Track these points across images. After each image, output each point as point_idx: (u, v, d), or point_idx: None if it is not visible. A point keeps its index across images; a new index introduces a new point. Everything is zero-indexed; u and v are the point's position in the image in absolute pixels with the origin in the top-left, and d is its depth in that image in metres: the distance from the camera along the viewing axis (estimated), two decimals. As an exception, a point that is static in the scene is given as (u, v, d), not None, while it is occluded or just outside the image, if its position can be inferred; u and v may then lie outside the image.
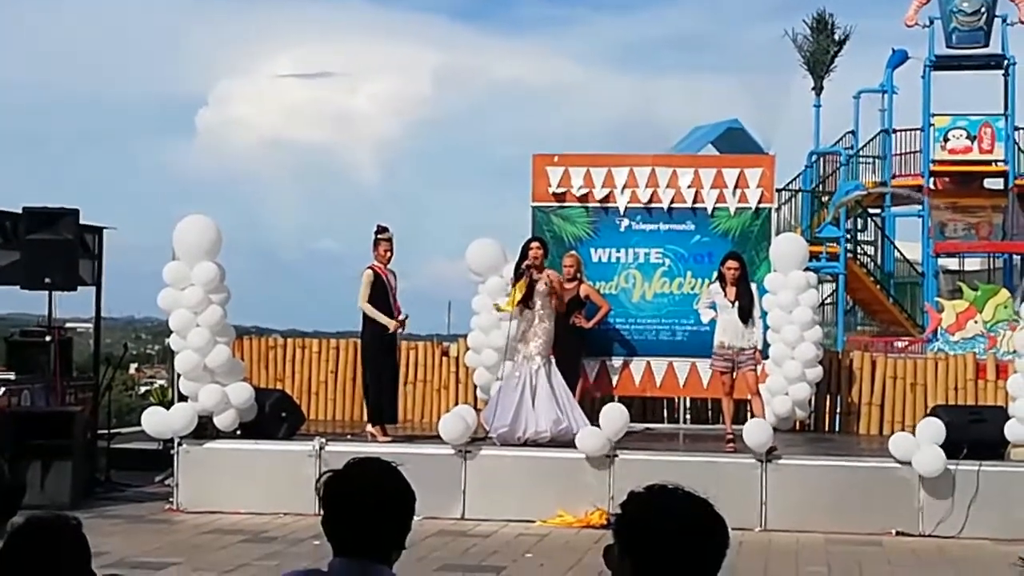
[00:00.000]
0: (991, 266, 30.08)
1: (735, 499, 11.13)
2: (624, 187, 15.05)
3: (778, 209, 22.85)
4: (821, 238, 26.13)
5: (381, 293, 13.15)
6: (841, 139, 30.16)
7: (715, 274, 13.47)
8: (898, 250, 29.72)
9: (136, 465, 14.85)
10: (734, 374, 13.03)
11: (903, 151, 29.08)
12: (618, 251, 15.12)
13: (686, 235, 15.03)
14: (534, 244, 13.48)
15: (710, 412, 15.49)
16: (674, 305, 14.99)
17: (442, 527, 11.70)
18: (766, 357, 14.06)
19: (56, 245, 13.70)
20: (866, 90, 30.14)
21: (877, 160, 29.44)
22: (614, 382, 14.93)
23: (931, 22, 27.72)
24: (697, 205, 14.98)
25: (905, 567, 10.78)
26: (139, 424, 13.60)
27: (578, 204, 15.11)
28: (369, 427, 13.30)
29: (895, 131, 29.20)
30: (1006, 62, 27.90)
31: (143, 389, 34.79)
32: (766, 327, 13.97)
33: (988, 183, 28.56)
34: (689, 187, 14.97)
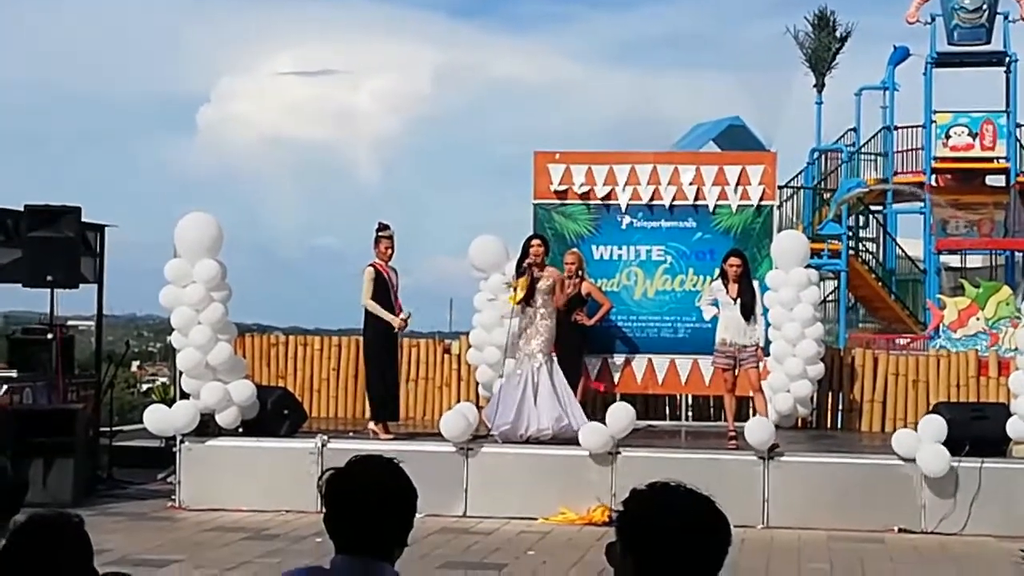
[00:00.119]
0: (993, 263, 30.06)
1: (737, 496, 11.14)
2: (626, 184, 15.05)
3: (780, 206, 22.80)
4: (823, 235, 26.11)
5: (382, 290, 13.16)
6: (843, 136, 30.14)
7: (717, 271, 13.47)
8: (900, 247, 29.69)
9: (138, 463, 14.85)
10: (736, 371, 13.03)
11: (905, 148, 29.06)
12: (620, 248, 15.11)
13: (688, 232, 15.02)
14: (535, 242, 13.47)
15: (712, 409, 15.49)
16: (676, 302, 14.99)
17: (444, 524, 11.70)
18: (767, 354, 14.06)
19: (58, 243, 13.70)
20: (868, 87, 30.11)
21: (879, 157, 29.41)
22: (616, 379, 14.93)
23: (933, 19, 27.69)
24: (699, 202, 14.98)
25: (907, 564, 10.77)
26: (141, 422, 13.61)
27: (580, 201, 15.11)
28: (371, 424, 13.30)
29: (897, 128, 29.18)
30: (1008, 59, 27.87)
31: (145, 387, 34.81)
32: (767, 324, 13.97)
33: (990, 180, 28.54)
34: (691, 184, 14.97)
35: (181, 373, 13.15)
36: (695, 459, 12.34)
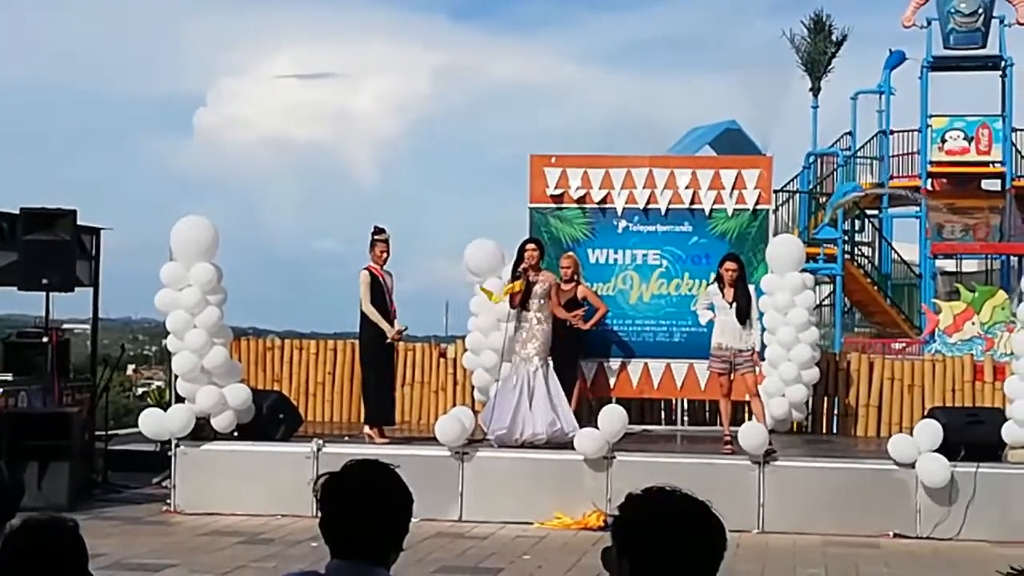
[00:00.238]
0: (988, 267, 30.09)
1: (732, 501, 11.14)
2: (621, 188, 15.05)
3: (775, 210, 22.80)
4: (818, 239, 26.14)
5: (378, 294, 13.16)
6: (838, 140, 30.17)
7: (713, 275, 13.47)
8: (895, 251, 29.73)
9: (133, 466, 14.84)
10: (732, 375, 13.02)
11: (900, 152, 29.11)
12: (615, 252, 15.11)
13: (683, 236, 15.03)
14: (529, 246, 13.46)
15: (707, 413, 15.48)
16: (672, 306, 14.99)
17: (440, 529, 11.70)
18: (763, 358, 14.07)
19: (53, 246, 13.69)
20: (864, 91, 30.15)
21: (874, 161, 29.46)
22: (612, 383, 14.93)
23: (929, 23, 27.74)
24: (695, 206, 14.98)
25: (902, 569, 10.77)
26: (136, 425, 13.60)
27: (575, 205, 15.11)
28: (366, 428, 13.29)
29: (892, 132, 29.22)
30: (1004, 63, 27.92)
31: (140, 390, 34.74)
32: (763, 328, 13.97)
33: (986, 184, 28.58)
34: (687, 188, 14.97)
35: (176, 377, 13.14)
36: (690, 463, 12.34)
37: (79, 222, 14.06)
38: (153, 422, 12.96)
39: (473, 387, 15.14)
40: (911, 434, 12.36)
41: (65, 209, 13.89)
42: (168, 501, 12.90)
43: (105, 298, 15.23)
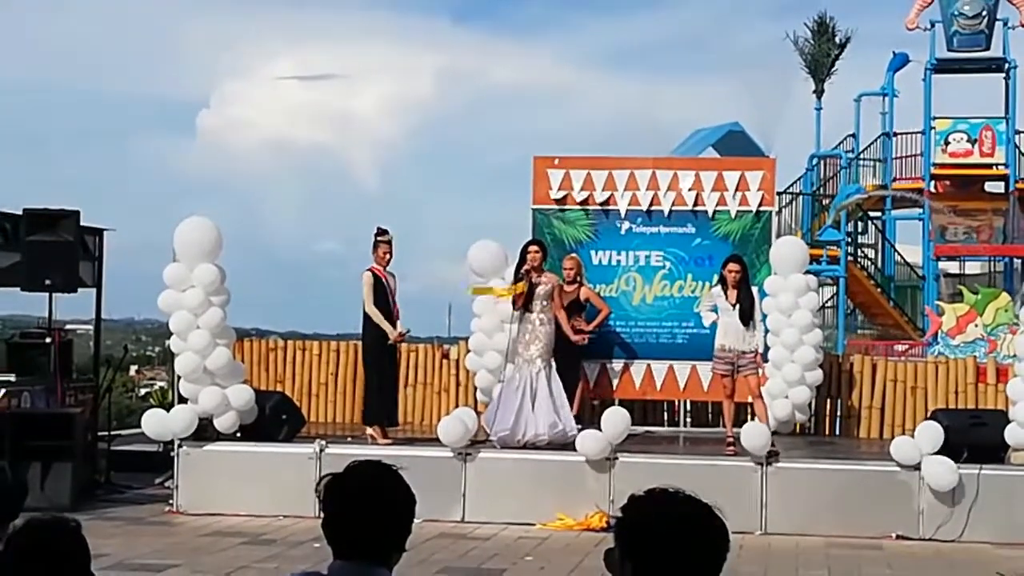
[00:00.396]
0: (992, 269, 30.08)
1: (735, 502, 11.13)
2: (625, 190, 15.05)
3: (779, 212, 22.85)
4: (822, 241, 26.12)
5: (380, 295, 13.16)
6: (842, 142, 30.15)
7: (716, 277, 13.47)
8: (899, 253, 29.71)
9: (136, 467, 14.84)
10: (735, 377, 13.02)
11: (904, 154, 29.08)
12: (618, 254, 15.12)
13: (687, 238, 15.03)
14: (532, 247, 13.47)
15: (710, 415, 15.48)
16: (674, 308, 14.99)
17: (442, 530, 11.70)
18: (766, 360, 14.06)
19: (56, 247, 13.70)
20: (867, 93, 30.14)
21: (878, 163, 29.42)
22: (614, 385, 14.93)
23: (932, 25, 27.72)
24: (698, 208, 14.98)
25: (905, 571, 10.76)
26: (139, 426, 13.59)
27: (579, 207, 15.11)
28: (369, 429, 13.29)
29: (896, 134, 29.19)
30: (1007, 65, 27.89)
31: (143, 391, 34.74)
32: (766, 330, 13.97)
33: (989, 186, 28.55)
34: (690, 190, 14.97)
35: (179, 377, 13.14)
36: (693, 465, 12.33)
37: (82, 223, 14.07)
38: (156, 423, 12.96)
39: (476, 388, 15.15)
40: (913, 436, 12.35)
41: (68, 210, 13.90)
42: (171, 502, 12.90)
43: (108, 299, 15.29)
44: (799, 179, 28.96)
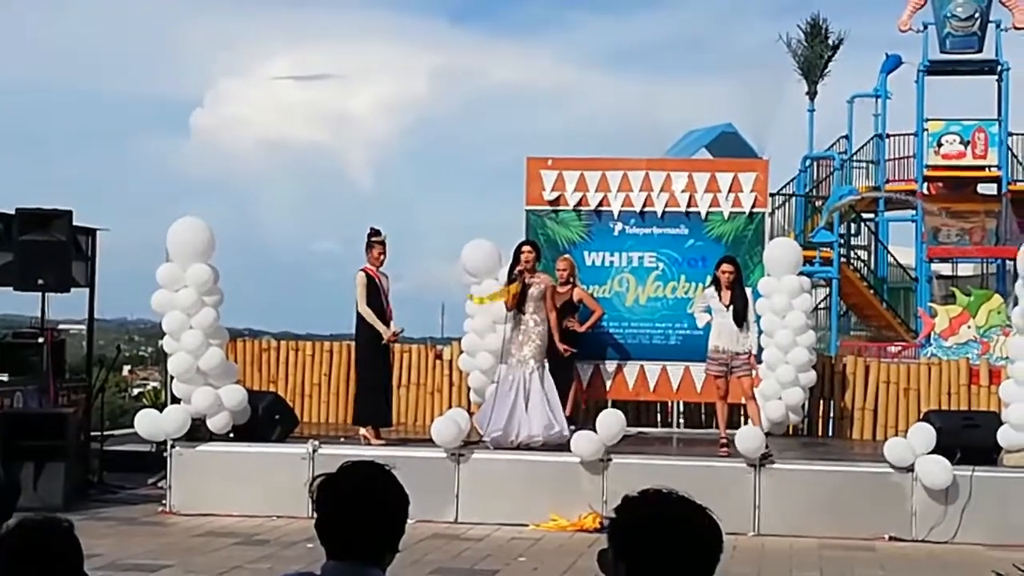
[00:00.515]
0: (984, 271, 30.14)
1: (728, 504, 11.08)
2: (618, 191, 15.06)
3: (772, 213, 22.86)
4: (815, 243, 26.17)
5: (374, 296, 13.15)
6: (835, 144, 30.20)
7: (709, 278, 13.47)
8: (891, 255, 29.76)
9: (129, 467, 14.83)
10: (728, 378, 13.02)
11: (897, 156, 29.14)
12: (612, 255, 15.11)
13: (680, 239, 15.03)
14: (526, 248, 13.46)
15: (704, 416, 15.48)
16: (668, 309, 14.99)
17: (435, 530, 11.69)
18: (760, 361, 14.07)
19: (49, 246, 13.68)
20: (860, 95, 30.19)
21: (871, 165, 29.48)
22: (608, 386, 14.93)
23: (925, 27, 27.77)
24: (691, 209, 14.98)
25: (898, 572, 10.77)
26: (132, 426, 13.57)
27: (572, 208, 15.11)
28: (362, 430, 13.28)
29: (889, 136, 29.26)
30: (1000, 67, 27.94)
31: (136, 391, 34.76)
32: (760, 331, 13.98)
33: (981, 188, 28.62)
34: (683, 191, 14.98)
35: (172, 377, 13.13)
36: (687, 466, 12.34)
37: (75, 223, 14.05)
38: (149, 423, 12.95)
39: (469, 389, 15.13)
40: (906, 438, 12.35)
41: (61, 210, 13.88)
42: (164, 502, 12.88)
43: (101, 299, 15.24)
44: (792, 180, 29.01)
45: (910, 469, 11.98)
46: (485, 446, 12.82)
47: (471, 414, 13.36)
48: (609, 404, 14.21)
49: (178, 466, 12.87)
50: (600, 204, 15.07)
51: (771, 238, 16.08)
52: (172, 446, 12.87)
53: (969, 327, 22.16)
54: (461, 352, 15.19)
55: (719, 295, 13.03)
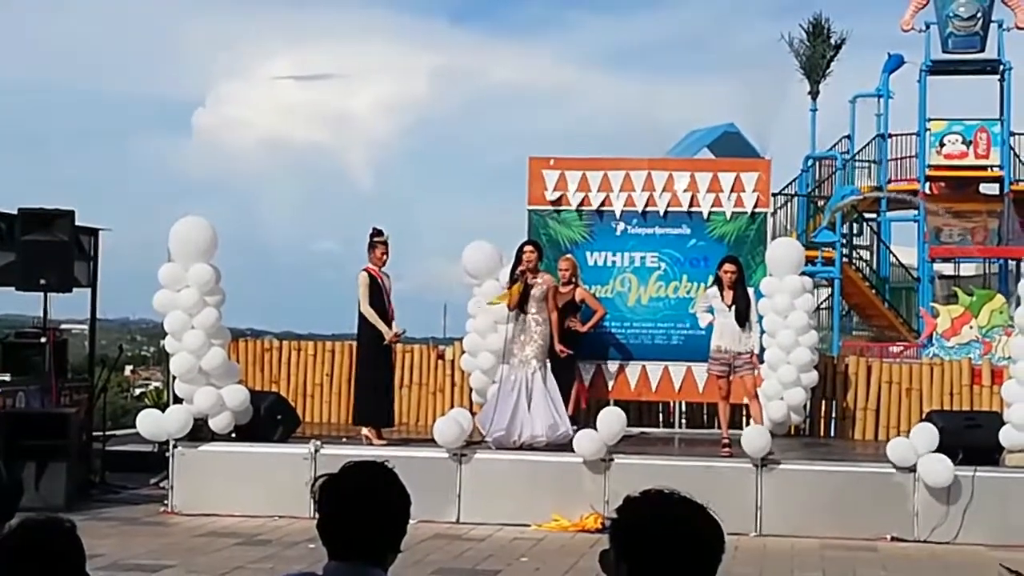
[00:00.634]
0: (987, 271, 30.12)
1: (730, 504, 11.08)
2: (620, 191, 15.06)
3: (774, 213, 22.81)
4: (817, 243, 26.14)
5: (376, 296, 13.16)
6: (837, 143, 30.16)
7: (712, 278, 13.47)
8: (894, 255, 29.74)
9: (131, 467, 14.83)
10: (730, 378, 13.02)
11: (899, 156, 29.12)
12: (614, 255, 15.12)
13: (682, 239, 15.03)
14: (528, 248, 13.46)
15: (706, 416, 15.48)
16: (670, 309, 14.99)
17: (437, 531, 11.69)
18: (762, 361, 14.06)
19: (51, 246, 13.68)
20: (862, 94, 30.15)
21: (873, 165, 29.45)
22: (610, 386, 14.93)
23: (927, 27, 27.74)
24: (693, 209, 14.98)
25: (900, 573, 10.77)
26: (134, 426, 13.57)
27: (574, 208, 15.11)
28: (364, 430, 13.28)
29: (891, 136, 29.23)
30: (1002, 67, 27.91)
31: (138, 391, 34.75)
32: (762, 331, 13.98)
33: (984, 188, 28.59)
34: (685, 191, 14.98)
35: (174, 377, 13.13)
36: (689, 466, 12.34)
37: (77, 222, 14.05)
38: (151, 423, 12.95)
39: (471, 389, 15.13)
40: (909, 438, 12.35)
41: (63, 210, 13.89)
42: (165, 502, 12.88)
43: (103, 299, 15.25)
44: (794, 180, 28.98)
45: (912, 469, 11.98)
46: (487, 446, 12.82)
47: (473, 414, 13.35)
48: (611, 404, 14.20)
49: (180, 466, 12.87)
50: (602, 204, 15.07)
51: (773, 238, 16.08)
52: (174, 446, 12.87)
53: (971, 327, 22.14)
54: (463, 352, 15.20)
55: (721, 295, 13.02)
